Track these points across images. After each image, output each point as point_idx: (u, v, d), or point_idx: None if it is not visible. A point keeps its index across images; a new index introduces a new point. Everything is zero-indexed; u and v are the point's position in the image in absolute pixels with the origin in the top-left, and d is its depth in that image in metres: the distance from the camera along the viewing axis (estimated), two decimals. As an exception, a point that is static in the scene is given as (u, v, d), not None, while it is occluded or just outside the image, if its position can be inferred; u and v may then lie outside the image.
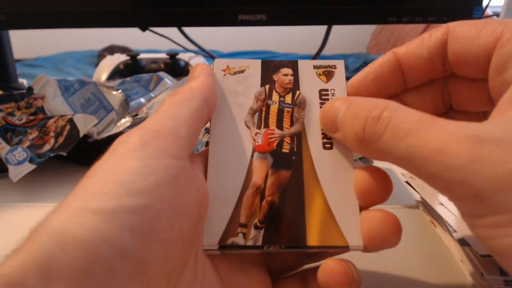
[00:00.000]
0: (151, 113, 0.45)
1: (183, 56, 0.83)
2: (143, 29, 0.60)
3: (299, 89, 0.22)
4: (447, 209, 0.33)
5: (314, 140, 0.21)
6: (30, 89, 0.51)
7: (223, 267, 0.21)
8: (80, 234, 0.14)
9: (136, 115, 0.47)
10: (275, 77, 0.23)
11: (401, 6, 0.56)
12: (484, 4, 0.58)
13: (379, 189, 0.20)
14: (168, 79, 0.58)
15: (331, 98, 0.22)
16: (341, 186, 0.20)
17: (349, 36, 1.98)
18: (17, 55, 0.78)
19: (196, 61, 0.84)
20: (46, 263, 0.13)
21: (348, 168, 0.21)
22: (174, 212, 0.17)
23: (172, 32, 0.66)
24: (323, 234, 0.19)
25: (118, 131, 0.45)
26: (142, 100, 0.54)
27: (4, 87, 0.68)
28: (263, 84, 0.23)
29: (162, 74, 0.58)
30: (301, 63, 0.23)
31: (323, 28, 0.65)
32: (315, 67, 0.23)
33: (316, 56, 0.70)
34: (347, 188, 0.20)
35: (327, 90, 0.22)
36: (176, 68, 0.82)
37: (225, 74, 0.23)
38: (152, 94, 0.56)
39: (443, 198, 0.35)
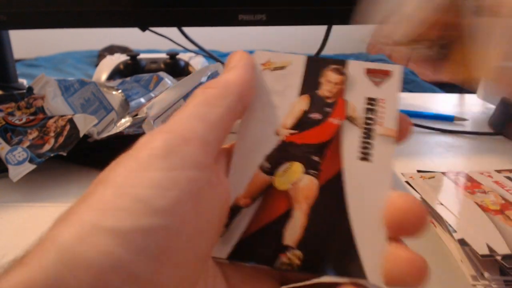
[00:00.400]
0: (151, 113, 0.45)
1: (183, 56, 0.83)
2: (143, 29, 0.60)
3: (344, 96, 0.20)
4: (447, 209, 0.33)
5: (350, 148, 0.19)
6: (30, 89, 0.51)
7: (234, 277, 0.19)
8: (91, 257, 0.13)
9: (136, 115, 0.47)
10: (321, 79, 0.20)
11: (401, 6, 0.56)
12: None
13: (413, 222, 0.17)
14: (168, 79, 0.58)
15: (379, 109, 0.19)
16: (371, 211, 0.18)
17: (349, 36, 1.98)
18: (17, 55, 0.78)
19: (196, 61, 0.84)
20: (52, 284, 0.12)
21: (383, 187, 0.18)
22: (195, 231, 0.15)
23: (172, 32, 0.66)
24: (341, 263, 0.17)
25: (118, 131, 0.45)
26: (142, 100, 0.54)
27: (4, 87, 0.68)
28: (304, 85, 0.20)
29: (162, 74, 0.58)
30: (352, 64, 0.20)
31: (323, 28, 0.65)
32: (368, 71, 0.20)
33: (316, 55, 0.70)
34: (377, 214, 0.17)
35: (375, 99, 0.20)
36: (176, 68, 0.82)
37: (264, 69, 0.21)
38: (152, 94, 0.56)
39: (443, 198, 0.35)
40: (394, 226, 0.17)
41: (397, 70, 0.20)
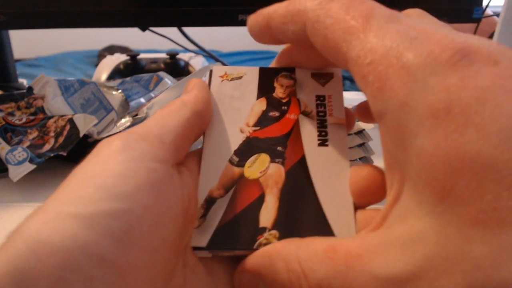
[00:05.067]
0: (151, 113, 0.45)
1: (183, 56, 0.83)
2: (143, 29, 0.60)
3: (297, 95, 0.22)
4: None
5: (308, 137, 0.21)
6: (30, 89, 0.51)
7: (217, 271, 0.19)
8: (56, 241, 0.13)
9: (136, 115, 0.47)
10: (274, 84, 0.23)
11: (401, 6, 0.56)
12: (484, 4, 0.58)
13: (376, 187, 0.18)
14: (168, 79, 0.58)
15: (327, 103, 0.22)
16: (335, 185, 0.20)
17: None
18: (17, 55, 0.78)
19: (196, 61, 0.84)
20: (20, 272, 0.12)
21: (343, 164, 0.20)
22: (156, 217, 0.16)
23: (172, 32, 0.66)
24: (314, 235, 0.18)
25: (118, 131, 0.45)
26: (142, 100, 0.54)
27: (4, 87, 0.68)
28: (260, 90, 0.23)
29: (162, 74, 0.58)
30: (299, 71, 0.23)
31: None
32: (313, 75, 0.23)
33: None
34: (342, 187, 0.20)
35: (323, 96, 0.22)
36: (176, 68, 0.82)
37: (222, 80, 0.23)
38: (152, 94, 0.56)
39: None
40: (360, 194, 0.19)
41: (337, 72, 0.23)
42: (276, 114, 0.22)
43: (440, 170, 0.11)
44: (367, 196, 0.19)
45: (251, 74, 0.23)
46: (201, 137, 0.22)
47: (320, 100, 0.22)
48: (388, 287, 0.12)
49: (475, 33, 0.77)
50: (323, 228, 0.18)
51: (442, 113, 0.11)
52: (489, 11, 0.79)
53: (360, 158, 0.39)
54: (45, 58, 1.88)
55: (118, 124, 0.46)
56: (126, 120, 0.46)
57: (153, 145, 0.17)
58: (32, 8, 0.56)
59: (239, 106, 0.22)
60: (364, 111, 0.23)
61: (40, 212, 0.15)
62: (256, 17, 0.20)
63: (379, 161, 0.46)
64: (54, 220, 0.14)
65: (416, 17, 0.17)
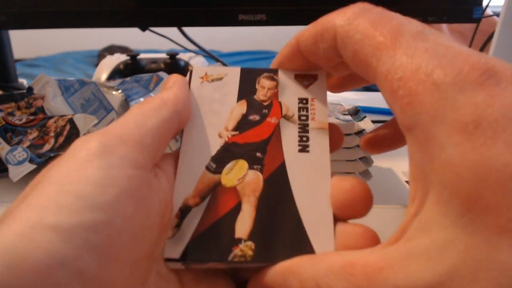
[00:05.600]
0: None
1: (183, 56, 0.83)
2: (143, 29, 0.60)
3: (279, 98, 0.22)
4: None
5: (288, 143, 0.20)
6: (30, 89, 0.51)
7: (187, 276, 0.19)
8: (35, 256, 0.12)
9: (136, 115, 0.47)
10: (255, 86, 0.22)
11: (401, 6, 0.56)
12: (484, 4, 0.58)
13: (358, 202, 0.18)
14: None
15: (310, 107, 0.21)
16: (315, 195, 0.19)
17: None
18: (17, 55, 0.78)
19: (196, 61, 0.84)
20: None
21: (324, 173, 0.19)
22: (136, 228, 0.15)
23: (172, 32, 0.66)
24: (292, 248, 0.18)
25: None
26: (142, 100, 0.54)
27: (4, 87, 0.68)
28: (241, 92, 0.22)
29: (162, 74, 0.58)
30: (282, 72, 0.22)
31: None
32: (296, 76, 0.22)
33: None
34: (322, 197, 0.19)
35: (306, 99, 0.22)
36: (176, 68, 0.82)
37: (202, 82, 0.22)
38: (152, 94, 0.56)
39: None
40: (341, 208, 0.18)
41: (322, 74, 0.22)
42: (257, 118, 0.21)
43: (467, 180, 0.12)
44: (349, 210, 0.18)
45: (232, 75, 0.22)
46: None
47: (303, 103, 0.21)
48: None
49: (475, 33, 0.77)
50: (302, 242, 0.18)
51: (471, 127, 0.12)
52: (489, 11, 0.79)
53: (360, 158, 0.39)
54: (45, 58, 1.88)
55: (118, 124, 0.46)
56: (126, 120, 0.46)
57: (132, 149, 0.16)
58: (32, 8, 0.56)
59: (219, 109, 0.21)
60: (370, 142, 0.22)
61: (13, 221, 0.13)
62: (284, 49, 0.21)
63: (379, 161, 0.46)
64: (32, 231, 0.13)
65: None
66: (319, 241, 0.18)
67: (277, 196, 0.19)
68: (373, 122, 0.40)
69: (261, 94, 0.22)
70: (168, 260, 0.18)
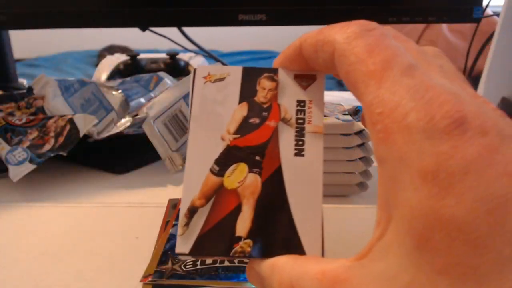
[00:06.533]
0: (151, 113, 0.45)
1: (183, 56, 0.84)
2: (143, 29, 0.60)
3: (278, 100, 0.22)
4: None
5: (285, 146, 0.21)
6: (30, 89, 0.51)
7: None
8: None
9: (136, 115, 0.47)
10: (256, 87, 0.23)
11: (401, 6, 0.56)
12: (484, 4, 0.58)
13: None
14: (168, 79, 0.58)
15: (307, 109, 0.22)
16: (308, 199, 0.21)
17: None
18: (17, 55, 0.78)
19: (196, 61, 0.84)
20: None
21: (316, 177, 0.21)
22: None
23: (172, 32, 0.66)
24: (285, 245, 0.20)
25: (118, 131, 0.45)
26: (142, 100, 0.54)
27: (4, 87, 0.68)
28: (242, 93, 0.23)
29: (162, 74, 0.58)
30: (282, 71, 0.23)
31: (323, 28, 0.64)
32: (296, 76, 0.23)
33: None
34: (314, 201, 0.21)
35: (304, 101, 0.22)
36: (176, 68, 0.82)
37: (206, 82, 0.23)
38: (152, 94, 0.56)
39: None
40: None
41: (321, 74, 0.23)
42: (257, 120, 0.22)
43: (421, 223, 0.13)
44: None
45: (234, 75, 0.23)
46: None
47: (301, 105, 0.22)
48: None
49: (475, 33, 0.77)
50: (294, 242, 0.20)
51: (429, 176, 0.13)
52: (489, 11, 0.79)
53: (360, 158, 0.39)
54: (45, 58, 1.88)
55: (118, 124, 0.46)
56: (126, 120, 0.46)
57: None
58: (32, 8, 0.56)
59: (221, 112, 0.22)
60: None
61: None
62: (287, 49, 0.22)
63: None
64: None
65: (431, 56, 0.18)
66: (309, 243, 0.20)
67: (273, 199, 0.21)
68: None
69: (261, 95, 0.23)
70: (179, 254, 0.20)
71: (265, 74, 0.23)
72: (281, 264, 0.19)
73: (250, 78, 0.23)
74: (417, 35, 1.77)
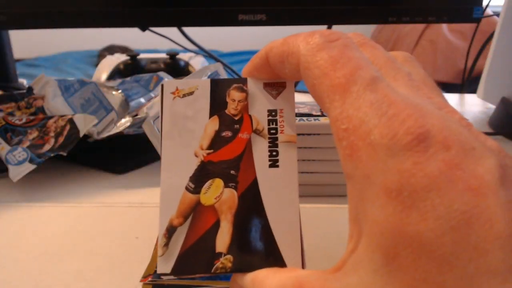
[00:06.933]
0: (151, 113, 0.45)
1: (183, 56, 0.83)
2: (143, 29, 0.60)
3: (249, 111, 0.22)
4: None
5: (260, 158, 0.21)
6: (30, 89, 0.51)
7: None
8: None
9: (136, 115, 0.47)
10: (226, 99, 0.22)
11: (401, 6, 0.56)
12: (484, 4, 0.58)
13: None
14: (168, 79, 0.58)
15: (279, 119, 0.22)
16: (285, 211, 0.21)
17: (349, 36, 1.97)
18: (17, 55, 0.78)
19: (196, 61, 0.84)
20: None
21: (292, 187, 0.21)
22: None
23: (172, 32, 0.66)
24: (265, 257, 0.20)
25: (118, 131, 0.45)
26: (142, 100, 0.54)
27: (4, 87, 0.68)
28: (212, 106, 0.22)
29: (162, 74, 0.58)
30: (251, 81, 0.22)
31: (323, 28, 0.65)
32: (265, 85, 0.22)
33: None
34: (291, 213, 0.21)
35: (275, 110, 0.22)
36: (176, 68, 0.82)
37: (174, 97, 0.22)
38: (152, 94, 0.56)
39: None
40: None
41: (290, 82, 0.23)
42: (229, 134, 0.22)
43: (388, 239, 0.13)
44: None
45: (202, 88, 0.22)
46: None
47: (272, 115, 0.22)
48: None
49: (475, 33, 0.77)
50: (274, 255, 0.20)
51: (394, 194, 0.13)
52: (489, 11, 0.79)
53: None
54: (45, 58, 1.88)
55: (118, 124, 0.46)
56: (126, 120, 0.46)
57: None
58: (32, 8, 0.56)
59: (192, 127, 0.22)
60: None
61: None
62: (254, 58, 0.21)
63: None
64: None
65: (401, 62, 0.18)
66: (288, 254, 0.20)
67: (251, 212, 0.21)
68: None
69: (231, 108, 0.22)
70: (161, 274, 0.20)
71: (234, 85, 0.22)
72: (261, 278, 0.19)
73: (219, 90, 0.22)
74: (417, 35, 1.77)
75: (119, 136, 0.45)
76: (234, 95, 0.22)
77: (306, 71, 0.17)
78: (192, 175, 0.21)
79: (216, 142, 0.22)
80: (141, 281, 0.27)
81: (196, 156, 0.22)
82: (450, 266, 0.12)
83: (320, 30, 0.18)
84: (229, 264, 0.20)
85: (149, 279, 0.27)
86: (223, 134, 0.22)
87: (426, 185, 0.13)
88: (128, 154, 0.49)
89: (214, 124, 0.22)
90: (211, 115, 0.22)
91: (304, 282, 0.17)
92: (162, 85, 0.23)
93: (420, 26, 1.62)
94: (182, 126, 0.22)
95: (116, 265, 0.30)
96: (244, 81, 0.22)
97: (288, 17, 0.57)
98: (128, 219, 0.36)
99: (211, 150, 0.22)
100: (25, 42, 1.60)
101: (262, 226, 0.21)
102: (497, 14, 0.62)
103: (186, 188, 0.21)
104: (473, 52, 0.80)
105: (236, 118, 0.22)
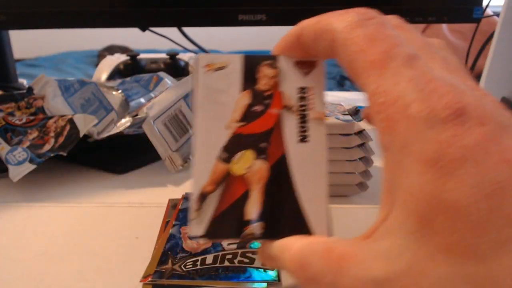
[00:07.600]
0: (151, 113, 0.45)
1: (183, 56, 0.83)
2: (143, 29, 0.60)
3: (279, 87, 0.23)
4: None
5: (289, 133, 0.22)
6: (30, 89, 0.51)
7: None
8: None
9: (136, 115, 0.47)
10: (258, 75, 0.23)
11: (401, 6, 0.56)
12: (484, 4, 0.58)
13: None
14: (168, 79, 0.58)
15: (309, 96, 0.23)
16: (313, 184, 0.22)
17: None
18: (17, 55, 0.78)
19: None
20: None
21: (321, 161, 0.22)
22: None
23: (172, 32, 0.66)
24: (292, 226, 0.21)
25: (118, 131, 0.45)
26: (142, 100, 0.54)
27: (4, 87, 0.68)
28: (244, 81, 0.23)
29: (162, 74, 0.59)
30: (282, 58, 0.23)
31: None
32: (296, 63, 0.23)
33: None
34: (319, 186, 0.21)
35: (305, 88, 0.23)
36: (176, 68, 0.82)
37: (208, 70, 0.23)
38: (152, 94, 0.56)
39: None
40: None
41: (320, 61, 0.23)
42: (259, 108, 0.22)
43: (423, 206, 0.14)
44: None
45: (235, 63, 0.23)
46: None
47: (302, 92, 0.23)
48: (368, 287, 0.15)
49: (475, 33, 0.77)
50: (301, 224, 0.21)
51: (431, 162, 0.14)
52: (489, 11, 0.79)
53: (360, 158, 0.39)
54: (45, 58, 1.88)
55: (118, 124, 0.46)
56: (126, 120, 0.46)
57: None
58: (32, 8, 0.56)
59: (224, 101, 0.23)
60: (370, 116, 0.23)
61: None
62: (286, 36, 0.22)
63: (379, 161, 0.46)
64: None
65: (435, 49, 0.18)
66: (315, 224, 0.21)
67: (280, 184, 0.21)
68: (373, 122, 0.40)
69: (262, 83, 0.23)
70: (193, 237, 0.21)
71: (266, 62, 0.23)
72: (290, 244, 0.19)
73: (250, 66, 0.23)
74: (417, 35, 1.76)
75: (119, 136, 0.45)
76: (265, 71, 0.23)
77: (342, 48, 0.18)
78: (223, 146, 0.22)
79: (247, 116, 0.22)
80: (141, 281, 0.27)
81: (228, 128, 0.22)
82: (484, 231, 0.13)
83: (355, 8, 0.18)
84: (258, 232, 0.21)
85: (149, 279, 0.27)
86: (254, 108, 0.23)
87: (463, 155, 0.13)
88: (128, 154, 0.49)
89: (245, 99, 0.23)
90: (242, 89, 0.23)
91: (333, 247, 0.17)
92: (198, 58, 0.23)
93: (420, 26, 1.62)
94: (214, 99, 0.23)
95: (116, 265, 0.30)
96: (275, 58, 0.23)
97: (288, 17, 0.57)
98: (128, 219, 0.36)
99: (243, 123, 0.22)
100: (25, 42, 1.60)
101: (291, 198, 0.21)
102: (497, 14, 0.62)
103: (218, 158, 0.22)
104: (473, 52, 0.80)
105: (267, 94, 0.23)
